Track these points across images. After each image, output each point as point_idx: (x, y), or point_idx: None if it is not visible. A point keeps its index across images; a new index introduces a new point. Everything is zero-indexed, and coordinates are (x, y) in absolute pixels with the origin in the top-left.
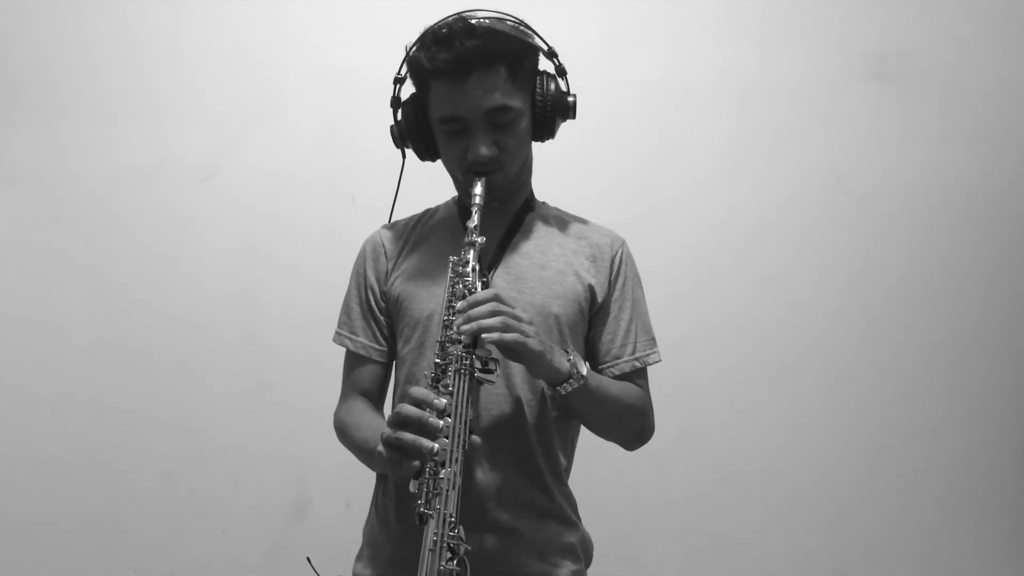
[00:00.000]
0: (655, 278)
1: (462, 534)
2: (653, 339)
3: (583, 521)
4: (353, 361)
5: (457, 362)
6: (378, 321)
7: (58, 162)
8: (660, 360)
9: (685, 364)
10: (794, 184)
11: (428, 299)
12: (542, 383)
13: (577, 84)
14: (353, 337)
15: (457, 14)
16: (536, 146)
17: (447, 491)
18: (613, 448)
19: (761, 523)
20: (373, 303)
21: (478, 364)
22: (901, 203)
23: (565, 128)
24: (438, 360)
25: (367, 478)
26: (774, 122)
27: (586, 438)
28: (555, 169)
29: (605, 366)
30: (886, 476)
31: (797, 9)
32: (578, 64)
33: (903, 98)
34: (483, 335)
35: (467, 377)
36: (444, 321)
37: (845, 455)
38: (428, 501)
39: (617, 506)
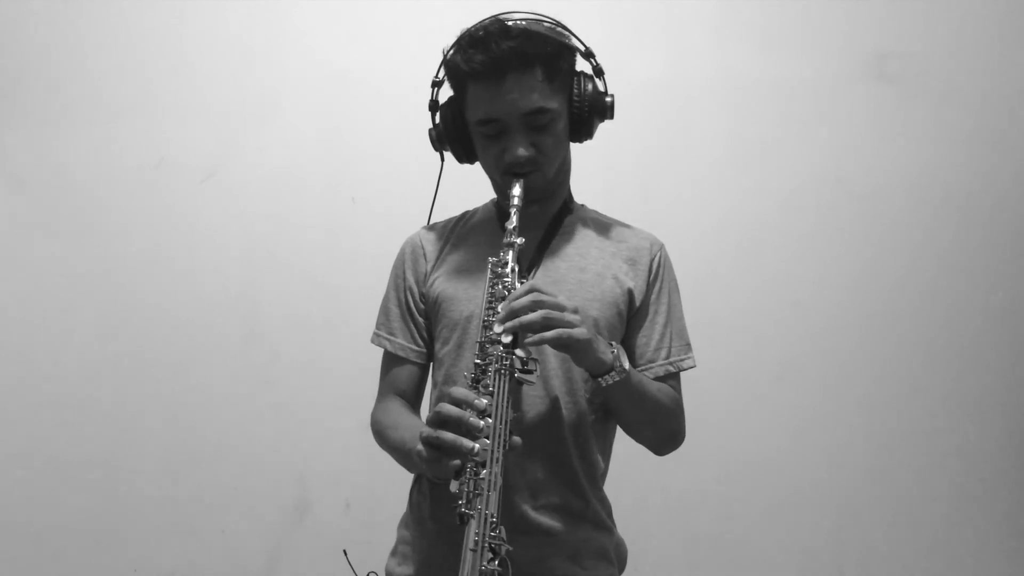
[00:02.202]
0: None
1: (503, 535)
2: (688, 344)
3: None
4: (391, 362)
5: (497, 362)
6: (416, 322)
7: (58, 162)
8: (695, 365)
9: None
10: (794, 184)
11: (467, 301)
12: (580, 384)
13: None
14: (391, 338)
15: (493, 16)
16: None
17: (488, 491)
18: (612, 449)
19: (761, 522)
20: (412, 304)
21: (518, 364)
22: (901, 203)
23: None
24: (478, 361)
25: (367, 478)
26: (774, 122)
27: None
28: None
29: (640, 369)
30: (886, 475)
31: (797, 9)
32: (577, 64)
33: (903, 98)
34: (528, 337)
35: (507, 377)
36: (484, 322)
37: (845, 455)
38: (469, 501)
39: (617, 506)
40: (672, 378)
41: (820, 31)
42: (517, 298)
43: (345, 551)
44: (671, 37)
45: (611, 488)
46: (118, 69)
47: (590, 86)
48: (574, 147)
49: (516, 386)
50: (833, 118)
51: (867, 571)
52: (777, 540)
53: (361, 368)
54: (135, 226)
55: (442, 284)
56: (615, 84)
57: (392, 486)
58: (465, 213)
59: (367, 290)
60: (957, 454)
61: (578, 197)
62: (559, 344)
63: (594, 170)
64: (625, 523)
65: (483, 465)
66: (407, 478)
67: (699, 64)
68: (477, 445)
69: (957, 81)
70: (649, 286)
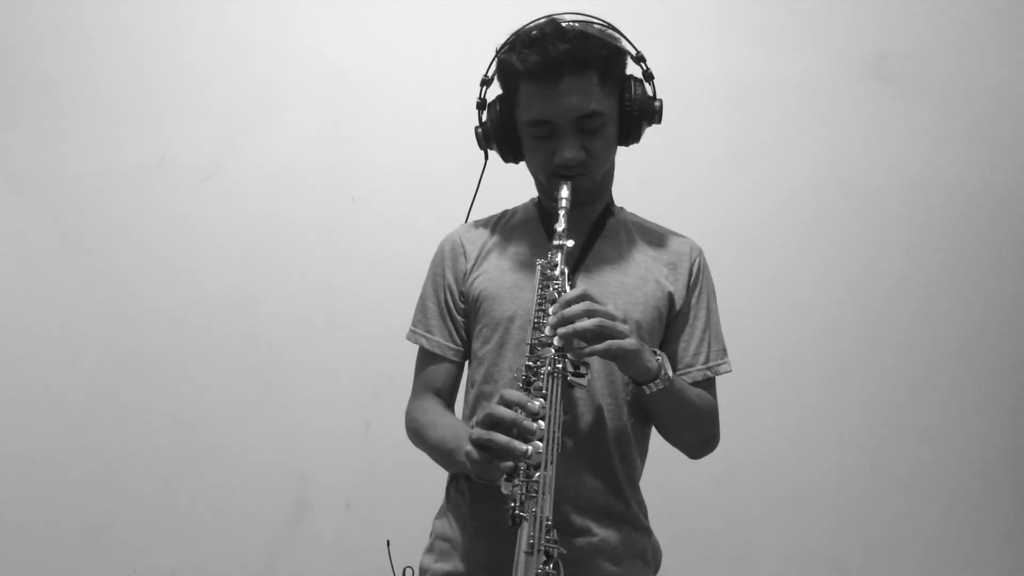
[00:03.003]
0: None
1: (556, 537)
2: (724, 349)
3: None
4: (427, 359)
5: (549, 365)
6: (455, 321)
7: (58, 162)
8: (731, 371)
9: None
10: (794, 184)
11: (510, 301)
12: (621, 387)
13: None
14: (428, 336)
15: (548, 17)
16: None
17: (542, 494)
18: None
19: (761, 522)
20: (451, 303)
21: (570, 368)
22: (901, 203)
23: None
24: (529, 363)
25: (367, 478)
26: (774, 122)
27: None
28: None
29: (677, 374)
30: (886, 475)
31: (797, 9)
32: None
33: (903, 98)
34: (578, 344)
35: (560, 380)
36: (534, 323)
37: (845, 455)
38: (522, 504)
39: None
40: (708, 383)
41: (820, 31)
42: (569, 304)
43: (388, 542)
44: (671, 37)
45: None
46: (118, 69)
47: (640, 90)
48: None
49: (568, 389)
50: (833, 118)
51: (867, 571)
52: (777, 540)
53: (361, 368)
54: (135, 226)
55: (484, 283)
56: None
57: (392, 486)
58: (505, 212)
59: (367, 290)
60: (957, 454)
61: None
62: (609, 355)
63: None
64: None
65: (536, 467)
66: (407, 478)
67: (699, 64)
68: (531, 448)
69: (957, 81)
70: (689, 290)
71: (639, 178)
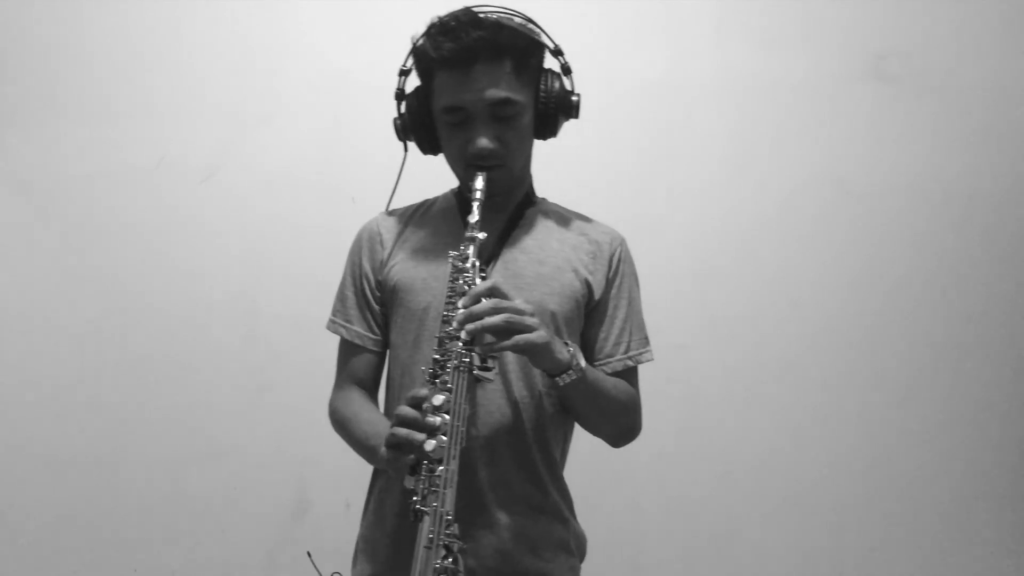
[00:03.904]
0: (655, 278)
1: (457, 532)
2: (646, 338)
3: (579, 518)
4: (348, 350)
5: (456, 359)
6: (373, 310)
7: (58, 162)
8: (652, 359)
9: (685, 364)
10: (794, 184)
11: (425, 291)
12: (538, 378)
13: (577, 83)
14: (348, 325)
15: (465, 8)
16: (536, 145)
17: (443, 488)
18: (612, 449)
19: (761, 523)
20: (368, 292)
21: (477, 361)
22: (901, 203)
23: (565, 127)
24: (437, 356)
25: (367, 478)
26: (774, 122)
27: (584, 439)
28: (554, 168)
29: (598, 364)
30: (886, 476)
31: (797, 9)
32: (578, 64)
33: (903, 98)
34: (486, 339)
35: (466, 374)
36: (443, 317)
37: (845, 455)
38: (424, 498)
39: (616, 506)
40: (630, 372)
41: (820, 31)
42: (477, 299)
43: (309, 553)
44: (671, 37)
45: (610, 489)
46: (118, 69)
47: (557, 84)
48: (573, 148)
49: (475, 382)
50: (833, 118)
51: (867, 571)
52: (777, 540)
53: None
54: (135, 226)
55: (400, 272)
56: (615, 84)
57: None
58: (424, 201)
59: None
60: (957, 454)
61: (579, 196)
62: (517, 350)
63: (594, 169)
64: (624, 523)
65: (440, 462)
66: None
67: (699, 64)
68: (434, 442)
69: (957, 81)
70: (609, 281)
71: (639, 178)
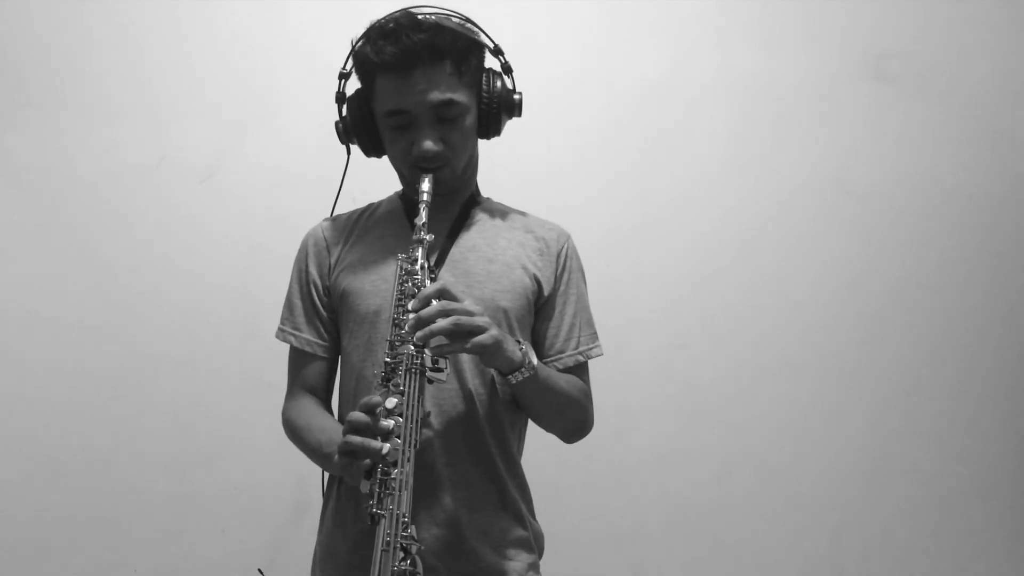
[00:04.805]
0: (655, 278)
1: (414, 533)
2: (595, 333)
3: (579, 519)
4: (298, 358)
5: (407, 361)
6: (321, 317)
7: (58, 162)
8: (602, 354)
9: (685, 364)
10: (794, 184)
11: (374, 295)
12: (492, 374)
13: (577, 84)
14: (297, 333)
15: (403, 10)
16: (529, 146)
17: (399, 491)
18: (612, 449)
19: (761, 523)
20: (316, 298)
21: (428, 362)
22: (901, 203)
23: (565, 128)
24: (388, 359)
25: None
26: (774, 122)
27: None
28: (554, 168)
29: (549, 360)
30: (886, 476)
31: (797, 9)
32: (578, 64)
33: (903, 98)
34: (441, 346)
35: (418, 376)
36: (393, 320)
37: (845, 455)
38: (380, 501)
39: (617, 507)
40: (581, 367)
41: (820, 31)
42: (427, 301)
43: (260, 570)
44: (671, 37)
45: (610, 489)
46: (118, 68)
47: (499, 83)
48: (574, 148)
49: (427, 383)
50: (833, 118)
51: (867, 571)
52: (777, 541)
53: None
54: (135, 226)
55: (347, 278)
56: (615, 84)
57: None
58: (369, 205)
59: None
60: (957, 454)
61: (579, 196)
62: (468, 352)
63: (594, 170)
64: (624, 523)
65: (395, 465)
66: None
67: (699, 64)
68: (388, 445)
69: (957, 81)
70: (557, 277)
71: (639, 178)
